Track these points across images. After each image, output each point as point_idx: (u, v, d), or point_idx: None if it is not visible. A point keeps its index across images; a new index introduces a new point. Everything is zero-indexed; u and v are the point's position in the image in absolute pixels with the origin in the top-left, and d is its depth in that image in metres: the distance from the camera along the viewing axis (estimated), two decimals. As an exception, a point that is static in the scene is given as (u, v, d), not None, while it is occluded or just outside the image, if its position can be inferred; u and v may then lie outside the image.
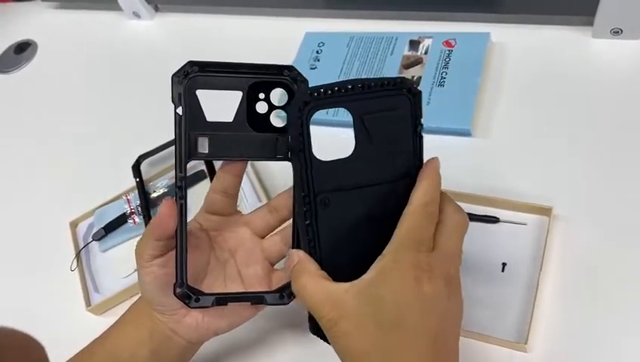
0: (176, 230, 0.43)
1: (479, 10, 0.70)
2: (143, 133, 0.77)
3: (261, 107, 0.44)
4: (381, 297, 0.36)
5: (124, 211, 0.68)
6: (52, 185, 0.77)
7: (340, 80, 0.39)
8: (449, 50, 0.68)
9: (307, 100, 0.38)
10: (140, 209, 0.67)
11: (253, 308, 0.47)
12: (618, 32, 0.63)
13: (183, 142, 0.42)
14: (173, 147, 0.70)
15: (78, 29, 0.97)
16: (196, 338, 0.48)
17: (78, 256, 0.66)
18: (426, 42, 0.69)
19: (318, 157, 0.40)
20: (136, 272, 0.63)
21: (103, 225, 0.67)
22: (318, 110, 0.39)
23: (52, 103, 0.88)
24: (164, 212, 0.42)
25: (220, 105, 0.44)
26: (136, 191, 0.68)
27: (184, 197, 0.43)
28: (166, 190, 0.68)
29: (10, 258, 0.72)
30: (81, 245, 0.68)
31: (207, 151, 0.43)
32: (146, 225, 0.65)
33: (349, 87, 0.39)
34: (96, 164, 0.77)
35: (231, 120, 0.43)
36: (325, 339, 0.39)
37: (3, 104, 0.92)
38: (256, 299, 0.45)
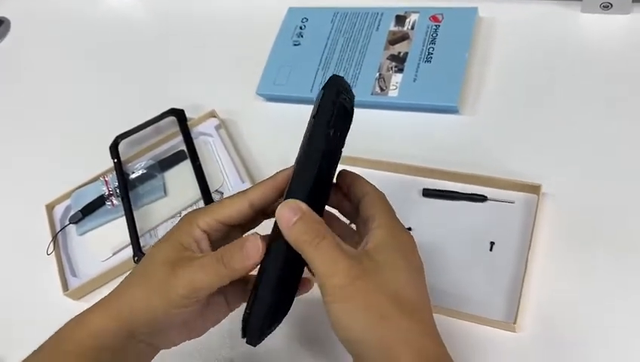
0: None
1: (466, -15, 0.69)
2: (121, 112, 0.75)
3: None
4: (402, 242, 0.40)
5: (102, 193, 0.66)
6: (27, 167, 0.75)
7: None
8: (436, 25, 0.66)
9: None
10: (118, 191, 0.65)
11: (228, 310, 0.45)
12: (608, 6, 0.62)
13: None
14: (151, 126, 0.69)
15: (53, 5, 0.93)
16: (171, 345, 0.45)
17: (54, 239, 0.65)
18: (413, 17, 0.68)
19: None
20: (114, 256, 0.62)
21: (80, 208, 0.65)
22: None
23: (26, 82, 0.85)
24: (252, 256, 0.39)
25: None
26: (115, 173, 0.66)
27: None
28: (145, 171, 0.66)
29: (-16, 242, 0.70)
30: (58, 228, 0.66)
31: None
32: (124, 207, 0.63)
33: None
34: (73, 145, 0.75)
35: None
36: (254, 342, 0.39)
37: (-25, 83, 0.89)
38: None
